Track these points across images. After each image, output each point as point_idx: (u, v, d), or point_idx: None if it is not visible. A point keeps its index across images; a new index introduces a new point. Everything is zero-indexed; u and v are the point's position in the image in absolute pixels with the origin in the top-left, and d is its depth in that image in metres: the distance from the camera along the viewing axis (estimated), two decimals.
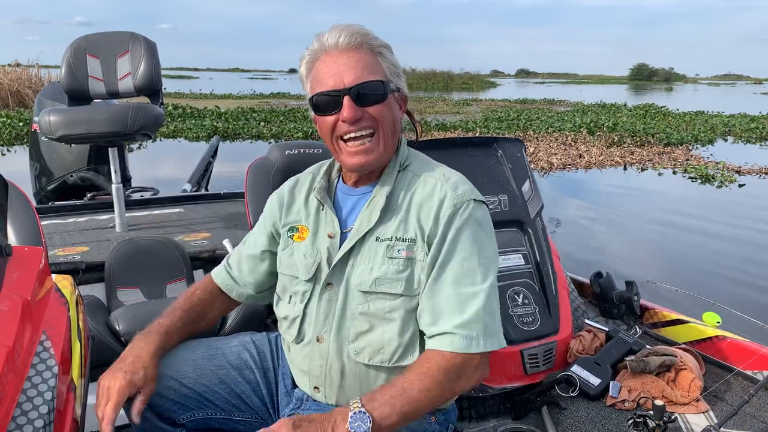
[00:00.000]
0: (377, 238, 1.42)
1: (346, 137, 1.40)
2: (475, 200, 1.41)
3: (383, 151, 1.42)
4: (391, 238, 1.40)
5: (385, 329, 1.39)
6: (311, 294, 1.46)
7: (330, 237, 1.47)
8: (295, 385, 1.55)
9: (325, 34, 1.40)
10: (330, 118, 1.39)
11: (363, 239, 1.43)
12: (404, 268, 1.38)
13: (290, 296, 1.51)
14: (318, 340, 1.44)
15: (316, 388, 1.47)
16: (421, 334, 1.40)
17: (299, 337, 1.47)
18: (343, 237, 1.46)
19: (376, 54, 1.41)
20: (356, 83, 1.36)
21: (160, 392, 1.47)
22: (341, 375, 1.43)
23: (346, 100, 1.36)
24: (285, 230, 1.56)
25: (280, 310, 1.54)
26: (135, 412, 1.39)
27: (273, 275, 1.61)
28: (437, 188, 1.42)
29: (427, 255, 1.38)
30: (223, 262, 1.69)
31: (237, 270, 1.65)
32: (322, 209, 1.51)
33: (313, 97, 1.41)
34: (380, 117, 1.39)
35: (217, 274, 1.67)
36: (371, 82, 1.37)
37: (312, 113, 1.46)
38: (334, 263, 1.43)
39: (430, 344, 1.34)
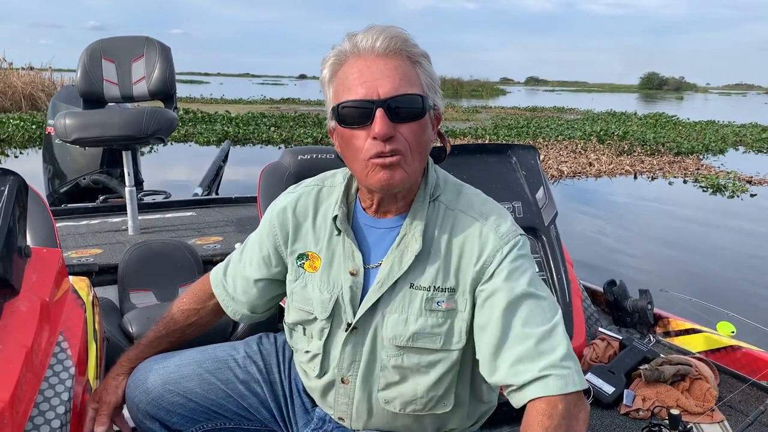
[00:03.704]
0: (411, 285, 1.27)
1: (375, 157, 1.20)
2: (520, 235, 1.28)
3: (410, 172, 1.22)
4: (430, 287, 1.26)
5: (418, 381, 1.29)
6: (330, 331, 1.34)
7: (352, 274, 1.31)
8: (314, 404, 1.48)
9: (359, 35, 1.21)
10: (358, 133, 1.20)
11: (394, 285, 1.28)
12: (444, 321, 1.26)
13: (304, 329, 1.40)
14: (343, 381, 1.35)
15: (340, 419, 1.41)
16: (458, 382, 1.32)
17: (321, 373, 1.38)
18: (366, 274, 1.31)
19: (415, 64, 1.22)
20: (393, 95, 1.17)
21: (166, 408, 1.45)
22: (368, 414, 1.36)
23: (379, 113, 1.17)
24: (293, 258, 1.40)
25: (296, 343, 1.43)
26: (95, 426, 1.42)
27: (269, 301, 1.52)
28: (477, 230, 1.27)
29: (467, 305, 1.26)
30: (222, 268, 1.56)
31: (232, 285, 1.52)
32: (338, 235, 1.34)
33: (338, 105, 1.21)
34: (411, 139, 1.20)
35: (215, 284, 1.55)
36: (409, 96, 1.18)
37: (331, 123, 1.26)
38: (360, 313, 1.29)
39: (521, 397, 1.17)
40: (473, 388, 1.36)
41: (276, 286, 1.49)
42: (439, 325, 1.26)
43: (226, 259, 1.58)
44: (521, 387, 1.16)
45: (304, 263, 1.38)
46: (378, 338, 1.30)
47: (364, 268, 1.31)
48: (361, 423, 1.38)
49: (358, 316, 1.30)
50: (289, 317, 1.43)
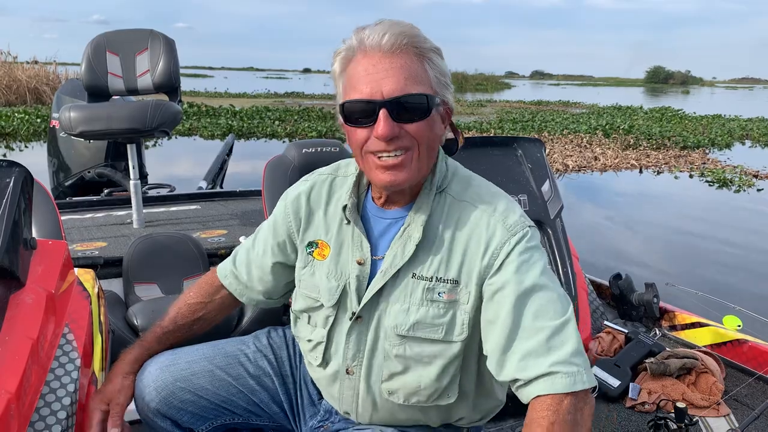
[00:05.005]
0: (414, 275, 1.28)
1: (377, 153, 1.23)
2: (529, 227, 1.26)
3: (416, 171, 1.24)
4: (432, 278, 1.27)
5: (421, 373, 1.29)
6: (335, 320, 1.35)
7: (360, 264, 1.32)
8: (321, 396, 1.48)
9: (366, 30, 1.21)
10: (361, 131, 1.22)
11: (397, 275, 1.29)
12: (445, 312, 1.26)
13: (309, 317, 1.41)
14: (348, 372, 1.35)
15: (346, 413, 1.41)
16: (462, 375, 1.31)
17: (324, 363, 1.39)
18: (373, 264, 1.32)
19: (424, 60, 1.21)
20: (396, 95, 1.17)
21: (177, 406, 1.44)
22: (373, 406, 1.36)
23: (383, 113, 1.18)
24: (303, 246, 1.43)
25: (300, 331, 1.45)
26: (108, 428, 1.38)
27: (285, 285, 1.53)
28: (483, 221, 1.26)
29: (471, 298, 1.25)
30: (230, 261, 1.58)
31: (245, 274, 1.54)
32: (347, 224, 1.36)
33: (344, 104, 1.23)
34: (419, 136, 1.21)
35: (224, 275, 1.57)
36: (414, 96, 1.19)
37: (340, 118, 1.27)
38: (364, 301, 1.30)
39: (529, 392, 1.16)
40: (479, 381, 1.36)
41: (292, 270, 1.50)
42: (441, 316, 1.26)
43: (231, 254, 1.59)
44: (528, 382, 1.16)
45: (313, 251, 1.40)
46: (381, 327, 1.30)
47: (372, 258, 1.32)
48: (367, 416, 1.38)
49: (362, 304, 1.30)
50: (296, 304, 1.44)
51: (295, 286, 1.51)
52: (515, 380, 1.18)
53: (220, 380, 1.47)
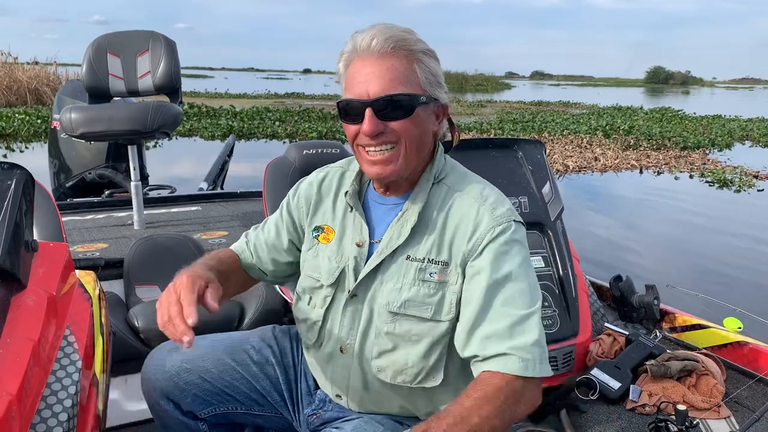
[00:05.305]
0: (408, 257, 1.36)
1: (366, 148, 1.35)
2: (515, 221, 1.34)
3: (403, 165, 1.33)
4: (424, 259, 1.35)
5: (409, 351, 1.35)
6: (332, 300, 1.43)
7: (358, 246, 1.41)
8: (317, 386, 1.54)
9: (360, 35, 1.31)
10: (353, 127, 1.33)
11: (392, 256, 1.37)
12: (435, 291, 1.34)
13: (310, 297, 1.48)
14: (342, 350, 1.41)
15: (338, 395, 1.46)
16: (448, 358, 1.36)
17: (318, 342, 1.45)
18: (371, 247, 1.41)
19: (414, 61, 1.30)
20: (380, 96, 1.28)
21: (182, 386, 1.48)
22: (364, 387, 1.41)
23: (368, 112, 1.29)
24: (310, 230, 1.51)
25: (299, 311, 1.51)
26: (210, 299, 1.28)
27: (292, 267, 1.59)
28: (473, 209, 1.34)
29: (459, 279, 1.33)
30: (242, 240, 1.63)
31: (255, 256, 1.60)
32: (351, 211, 1.45)
33: (339, 102, 1.35)
34: (403, 133, 1.31)
35: (241, 250, 1.61)
36: (397, 95, 1.28)
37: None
38: (360, 278, 1.38)
39: (482, 367, 1.25)
40: (464, 366, 1.38)
41: (300, 252, 1.57)
42: (431, 296, 1.34)
43: (242, 237, 1.65)
44: (485, 359, 1.25)
45: (319, 235, 1.50)
46: (375, 305, 1.37)
47: (370, 241, 1.42)
48: (357, 399, 1.43)
49: (358, 280, 1.39)
50: (299, 285, 1.52)
51: (299, 271, 1.57)
52: (474, 356, 1.27)
53: (224, 365, 1.53)
